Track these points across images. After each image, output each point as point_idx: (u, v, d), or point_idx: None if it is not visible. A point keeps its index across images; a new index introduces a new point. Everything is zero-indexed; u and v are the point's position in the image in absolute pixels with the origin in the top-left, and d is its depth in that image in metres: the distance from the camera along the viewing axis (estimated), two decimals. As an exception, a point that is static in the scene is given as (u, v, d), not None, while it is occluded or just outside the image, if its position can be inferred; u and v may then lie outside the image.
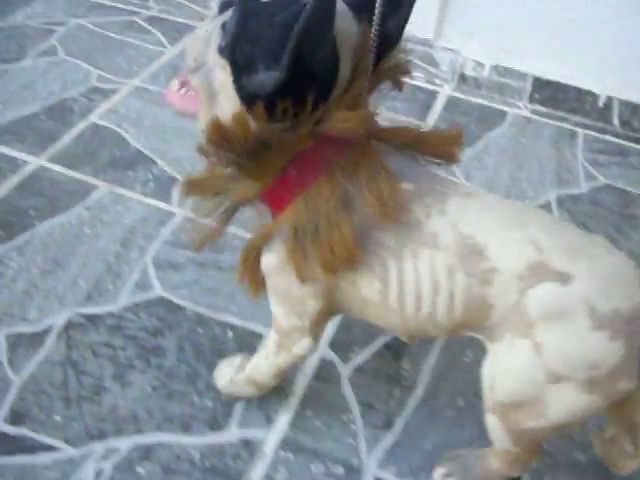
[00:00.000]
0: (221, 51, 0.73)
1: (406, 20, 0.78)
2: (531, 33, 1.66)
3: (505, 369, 0.78)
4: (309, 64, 0.68)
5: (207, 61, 0.75)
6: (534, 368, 0.74)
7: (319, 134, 0.73)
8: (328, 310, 0.86)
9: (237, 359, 1.01)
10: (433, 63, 1.77)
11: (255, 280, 0.85)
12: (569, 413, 0.76)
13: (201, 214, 0.81)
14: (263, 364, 0.95)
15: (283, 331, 0.89)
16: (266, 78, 0.68)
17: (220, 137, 0.72)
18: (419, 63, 1.78)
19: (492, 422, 0.83)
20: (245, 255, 0.84)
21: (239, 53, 0.69)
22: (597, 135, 1.65)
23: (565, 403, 0.75)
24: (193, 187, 0.80)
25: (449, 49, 1.75)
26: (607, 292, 0.71)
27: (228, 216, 0.82)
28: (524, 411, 0.78)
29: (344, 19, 0.74)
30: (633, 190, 1.51)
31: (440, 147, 0.82)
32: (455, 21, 1.72)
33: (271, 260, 0.81)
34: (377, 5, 0.72)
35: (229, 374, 1.00)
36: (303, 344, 0.89)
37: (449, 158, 0.83)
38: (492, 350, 0.79)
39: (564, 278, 0.72)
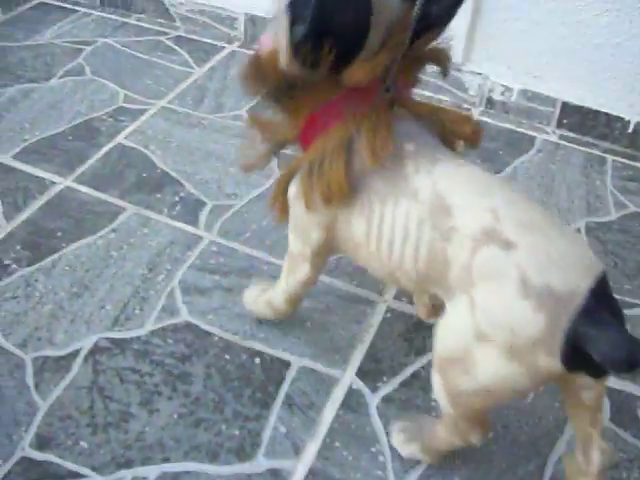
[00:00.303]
0: (286, 7, 0.84)
1: (451, 8, 0.86)
2: (559, 58, 1.65)
3: (446, 323, 0.83)
4: (333, 25, 0.80)
5: (280, 14, 0.84)
6: (466, 324, 0.78)
7: (342, 86, 0.85)
8: (328, 244, 0.96)
9: (264, 284, 1.14)
10: (461, 87, 1.77)
11: (283, 208, 0.96)
12: (494, 378, 0.79)
13: (254, 143, 0.95)
14: (278, 289, 1.08)
15: (292, 256, 1.02)
16: (298, 31, 0.80)
17: (256, 66, 0.86)
18: (447, 87, 1.77)
19: (435, 381, 0.87)
20: (277, 185, 0.95)
21: (293, 9, 0.82)
22: (627, 162, 1.63)
23: (490, 366, 0.78)
24: (255, 122, 0.94)
25: (477, 73, 1.74)
26: (545, 268, 0.74)
27: (274, 150, 0.95)
28: (457, 368, 0.81)
29: None
30: (664, 218, 1.50)
31: (455, 124, 0.90)
32: (483, 45, 1.71)
33: (292, 190, 0.93)
34: None
35: (254, 295, 1.13)
36: (304, 269, 1.01)
37: (466, 138, 0.91)
38: (446, 308, 0.84)
39: (508, 245, 0.76)
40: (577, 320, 0.71)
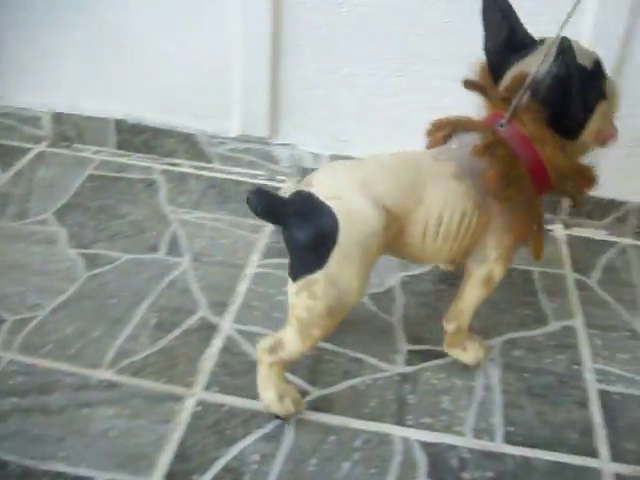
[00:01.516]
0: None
1: (549, 88, 1.08)
2: (362, 120, 1.71)
3: None
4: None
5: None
6: None
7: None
8: None
9: None
10: (273, 160, 1.79)
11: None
12: None
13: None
14: None
15: None
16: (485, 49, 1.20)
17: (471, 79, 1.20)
18: (259, 161, 1.79)
19: None
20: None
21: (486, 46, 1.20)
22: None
23: None
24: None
25: (286, 144, 1.77)
26: (322, 176, 1.10)
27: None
28: None
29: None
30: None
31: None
32: (288, 116, 1.75)
33: None
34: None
35: None
36: None
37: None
38: None
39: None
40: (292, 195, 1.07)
